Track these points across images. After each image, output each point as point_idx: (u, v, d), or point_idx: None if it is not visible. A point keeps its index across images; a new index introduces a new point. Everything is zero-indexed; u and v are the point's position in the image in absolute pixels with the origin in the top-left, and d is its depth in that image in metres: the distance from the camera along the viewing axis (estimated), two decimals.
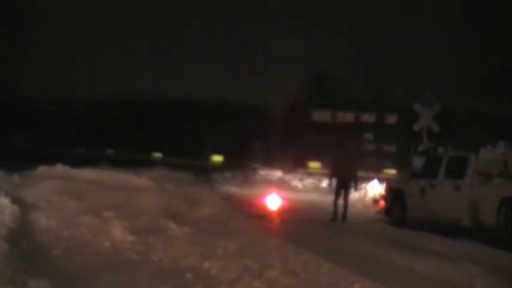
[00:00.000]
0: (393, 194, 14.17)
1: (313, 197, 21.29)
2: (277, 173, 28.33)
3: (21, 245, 6.60)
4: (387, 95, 50.52)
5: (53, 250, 6.96)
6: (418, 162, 14.55)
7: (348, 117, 52.22)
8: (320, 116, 52.09)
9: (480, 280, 7.24)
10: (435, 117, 18.34)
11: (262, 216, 13.18)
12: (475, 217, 10.92)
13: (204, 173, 26.15)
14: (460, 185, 11.50)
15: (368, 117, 52.34)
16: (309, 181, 26.61)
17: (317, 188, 24.11)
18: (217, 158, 47.06)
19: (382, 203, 15.39)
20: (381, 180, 19.97)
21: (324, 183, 21.92)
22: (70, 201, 8.69)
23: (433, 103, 18.23)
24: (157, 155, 48.61)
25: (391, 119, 50.56)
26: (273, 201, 16.15)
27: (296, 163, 38.10)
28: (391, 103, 48.27)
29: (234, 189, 21.15)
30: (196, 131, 50.08)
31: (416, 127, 18.53)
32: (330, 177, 14.76)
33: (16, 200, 8.16)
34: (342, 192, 13.97)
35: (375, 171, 31.05)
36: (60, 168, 10.48)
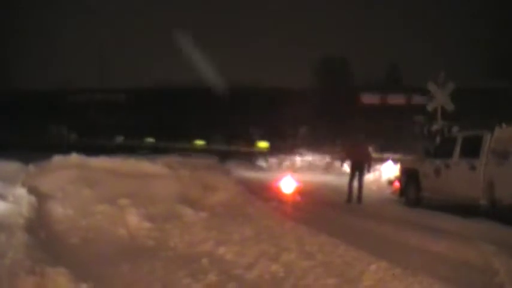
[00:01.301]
0: (408, 175, 14.14)
1: (328, 179, 21.31)
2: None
3: (39, 234, 6.67)
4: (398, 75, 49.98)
5: (70, 239, 7.03)
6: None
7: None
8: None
9: (496, 259, 7.22)
10: (450, 96, 18.27)
11: (277, 199, 13.19)
12: (491, 196, 10.86)
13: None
14: (475, 164, 11.42)
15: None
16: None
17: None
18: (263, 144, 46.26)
19: (396, 184, 15.37)
20: (395, 161, 19.92)
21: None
22: (86, 190, 8.73)
23: (446, 82, 18.12)
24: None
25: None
26: (288, 184, 16.16)
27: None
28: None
29: (248, 174, 21.19)
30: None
31: (430, 107, 18.45)
32: (343, 160, 14.82)
33: (32, 190, 8.22)
34: (357, 174, 14.00)
35: None
36: (74, 157, 10.50)
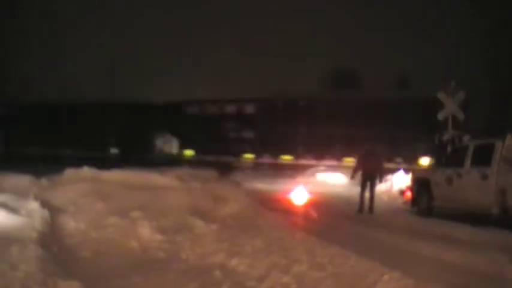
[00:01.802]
0: (419, 184, 14.10)
1: (340, 190, 21.24)
2: None
3: (52, 248, 6.70)
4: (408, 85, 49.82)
5: (82, 252, 7.06)
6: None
7: None
8: None
9: (509, 268, 7.18)
10: (460, 105, 18.23)
11: (288, 211, 13.18)
12: (503, 205, 10.81)
13: None
14: (487, 173, 11.37)
15: None
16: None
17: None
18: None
19: (408, 194, 15.32)
20: (407, 171, 19.85)
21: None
22: (97, 203, 8.78)
23: (456, 91, 18.10)
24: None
25: None
26: (299, 196, 16.14)
27: None
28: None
29: (260, 185, 21.18)
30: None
31: (440, 116, 18.40)
32: (354, 170, 14.79)
33: (45, 204, 8.28)
34: (368, 184, 13.97)
35: None
36: (86, 170, 10.59)
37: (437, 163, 14.15)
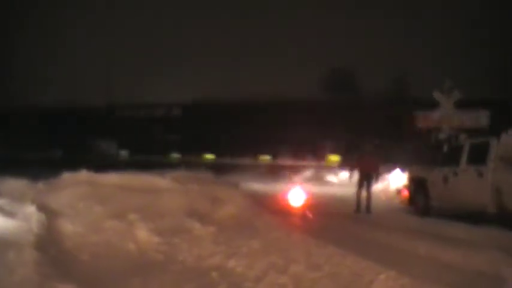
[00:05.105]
0: (416, 183, 14.12)
1: (336, 190, 21.27)
2: None
3: (49, 251, 6.72)
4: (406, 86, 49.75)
5: (80, 255, 7.07)
6: None
7: None
8: None
9: (506, 266, 7.20)
10: (455, 105, 18.31)
11: (285, 212, 13.19)
12: (499, 203, 10.84)
13: None
14: (483, 171, 11.41)
15: None
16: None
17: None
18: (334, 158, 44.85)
19: (405, 193, 15.34)
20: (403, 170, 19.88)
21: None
22: (95, 206, 8.79)
23: (452, 91, 18.17)
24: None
25: None
26: (297, 196, 16.13)
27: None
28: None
29: (258, 186, 21.16)
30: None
31: (436, 115, 18.48)
32: (351, 170, 14.83)
33: (42, 208, 8.30)
34: (365, 184, 14.00)
35: None
36: (84, 173, 10.61)
37: (433, 162, 14.14)
